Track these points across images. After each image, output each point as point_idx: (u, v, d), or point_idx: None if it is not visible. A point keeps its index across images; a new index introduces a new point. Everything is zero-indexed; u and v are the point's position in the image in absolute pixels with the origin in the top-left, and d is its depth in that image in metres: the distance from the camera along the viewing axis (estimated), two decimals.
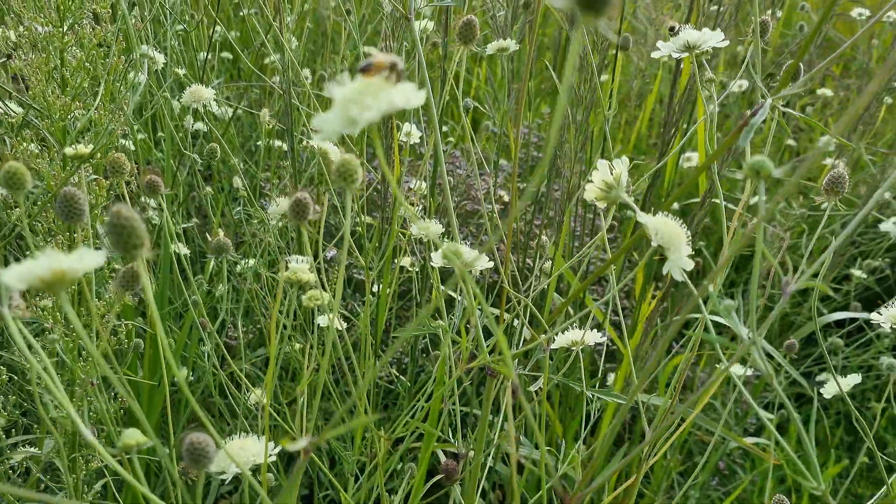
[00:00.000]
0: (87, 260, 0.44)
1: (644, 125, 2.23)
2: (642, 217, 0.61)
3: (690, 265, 0.61)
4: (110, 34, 1.04)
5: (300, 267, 0.74)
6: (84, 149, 0.83)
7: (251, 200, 1.49)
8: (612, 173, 0.65)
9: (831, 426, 2.14)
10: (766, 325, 0.52)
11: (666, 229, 0.60)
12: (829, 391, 1.11)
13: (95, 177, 1.07)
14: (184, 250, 1.65)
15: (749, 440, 1.67)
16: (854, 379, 1.10)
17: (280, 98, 1.74)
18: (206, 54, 1.72)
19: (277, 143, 1.93)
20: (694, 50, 0.81)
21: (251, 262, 1.66)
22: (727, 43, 0.81)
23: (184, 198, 1.60)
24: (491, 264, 0.86)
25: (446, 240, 1.51)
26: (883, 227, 1.89)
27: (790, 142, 2.60)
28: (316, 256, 0.81)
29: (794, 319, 2.29)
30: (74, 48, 1.02)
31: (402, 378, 1.56)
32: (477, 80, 2.22)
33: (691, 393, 1.70)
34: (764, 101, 0.67)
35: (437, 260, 0.87)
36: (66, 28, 1.01)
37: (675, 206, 2.35)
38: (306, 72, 1.51)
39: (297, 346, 1.62)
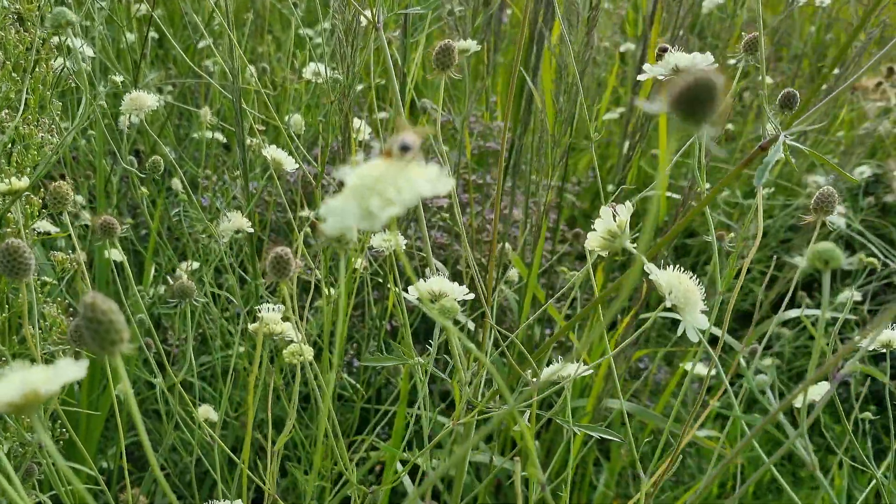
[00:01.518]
0: (64, 375, 0.38)
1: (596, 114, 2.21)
2: (655, 274, 0.57)
3: (706, 324, 0.57)
4: (38, 38, 0.94)
5: (272, 317, 0.68)
6: (19, 183, 0.75)
7: (192, 203, 1.40)
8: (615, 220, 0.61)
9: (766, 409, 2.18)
10: (813, 414, 0.49)
11: (681, 287, 0.56)
12: (798, 399, 1.11)
13: (26, 193, 0.97)
14: (119, 257, 1.54)
15: (699, 432, 1.69)
16: (824, 387, 1.10)
17: (218, 94, 1.64)
18: (137, 38, 1.60)
19: (213, 134, 1.83)
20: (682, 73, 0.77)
21: (194, 265, 1.57)
22: (716, 66, 0.78)
23: (118, 198, 1.50)
24: (472, 296, 0.81)
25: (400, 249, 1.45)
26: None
27: (728, 126, 2.62)
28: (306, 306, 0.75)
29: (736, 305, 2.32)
30: None
31: (357, 385, 1.50)
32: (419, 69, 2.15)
33: (644, 387, 1.70)
34: (775, 134, 0.64)
35: (412, 294, 0.82)
36: None
37: (608, 187, 2.35)
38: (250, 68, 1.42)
39: (242, 349, 1.55)
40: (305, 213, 1.77)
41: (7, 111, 0.96)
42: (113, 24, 1.80)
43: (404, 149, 0.39)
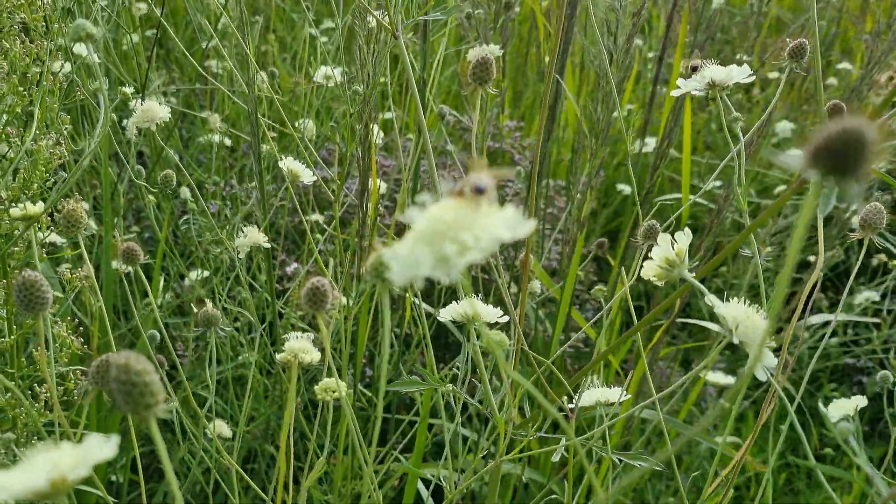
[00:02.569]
0: (93, 456, 0.34)
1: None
2: (720, 308, 0.53)
3: (775, 361, 0.54)
4: (44, 50, 0.90)
5: (301, 345, 0.64)
6: (33, 208, 0.71)
7: (204, 213, 1.36)
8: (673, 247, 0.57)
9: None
10: None
11: (748, 322, 0.53)
12: (834, 413, 1.08)
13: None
14: (127, 268, 1.50)
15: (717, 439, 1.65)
16: (861, 401, 1.07)
17: (225, 97, 1.60)
18: (140, 41, 1.56)
19: (219, 139, 1.79)
20: (717, 87, 0.74)
21: (204, 273, 1.53)
22: (753, 78, 0.74)
23: (126, 207, 1.46)
24: (506, 319, 0.78)
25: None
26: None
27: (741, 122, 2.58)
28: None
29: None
30: (3, 64, 0.88)
31: (372, 396, 1.47)
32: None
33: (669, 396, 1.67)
34: None
35: (446, 315, 0.78)
36: None
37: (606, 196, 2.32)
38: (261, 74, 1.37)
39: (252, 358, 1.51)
40: (315, 217, 1.73)
41: (12, 123, 0.92)
42: (114, 25, 1.76)
43: (479, 190, 0.35)
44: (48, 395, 1.03)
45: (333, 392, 0.64)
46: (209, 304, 0.71)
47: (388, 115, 1.91)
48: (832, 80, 2.52)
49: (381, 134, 1.43)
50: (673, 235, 0.56)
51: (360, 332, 1.13)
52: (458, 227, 0.34)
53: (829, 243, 2.19)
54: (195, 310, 0.72)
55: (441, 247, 0.34)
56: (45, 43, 0.88)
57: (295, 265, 1.47)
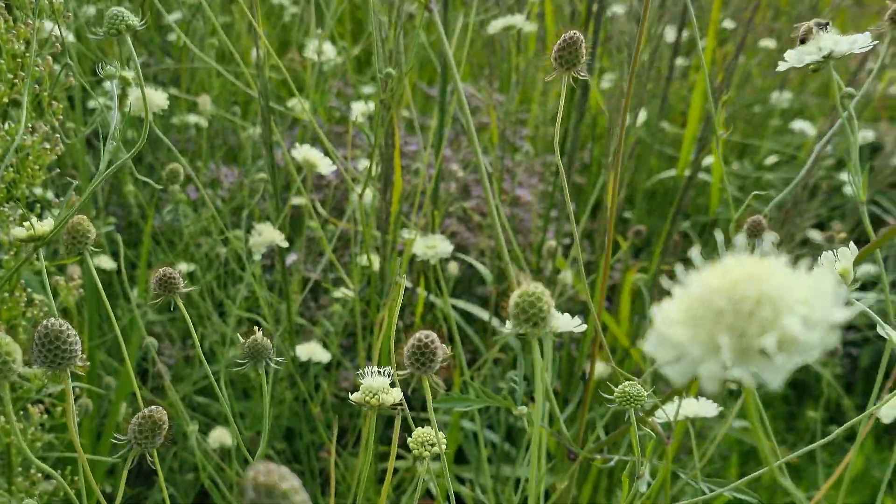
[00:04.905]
0: None
1: None
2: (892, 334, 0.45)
3: None
4: (34, 31, 0.77)
5: (379, 383, 0.54)
6: (42, 226, 0.59)
7: (193, 203, 1.24)
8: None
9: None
10: None
11: None
12: (888, 415, 1.02)
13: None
14: (109, 264, 1.38)
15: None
16: None
17: (213, 75, 1.47)
18: None
19: (194, 118, 1.65)
20: (832, 59, 0.66)
21: (190, 267, 1.41)
22: (874, 44, 0.66)
23: (105, 201, 1.33)
24: (583, 328, 0.69)
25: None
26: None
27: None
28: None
29: None
30: None
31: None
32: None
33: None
34: None
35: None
36: None
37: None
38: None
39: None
40: (299, 200, 1.60)
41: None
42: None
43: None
44: (43, 416, 0.92)
45: (433, 447, 0.54)
46: (258, 334, 0.60)
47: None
48: None
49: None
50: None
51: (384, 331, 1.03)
52: (769, 302, 0.25)
53: None
54: (240, 339, 0.62)
55: (747, 334, 0.25)
56: (35, 22, 0.75)
57: (294, 256, 1.36)
